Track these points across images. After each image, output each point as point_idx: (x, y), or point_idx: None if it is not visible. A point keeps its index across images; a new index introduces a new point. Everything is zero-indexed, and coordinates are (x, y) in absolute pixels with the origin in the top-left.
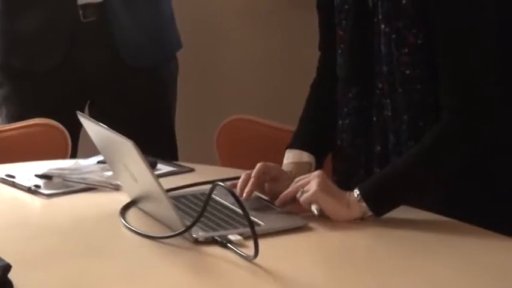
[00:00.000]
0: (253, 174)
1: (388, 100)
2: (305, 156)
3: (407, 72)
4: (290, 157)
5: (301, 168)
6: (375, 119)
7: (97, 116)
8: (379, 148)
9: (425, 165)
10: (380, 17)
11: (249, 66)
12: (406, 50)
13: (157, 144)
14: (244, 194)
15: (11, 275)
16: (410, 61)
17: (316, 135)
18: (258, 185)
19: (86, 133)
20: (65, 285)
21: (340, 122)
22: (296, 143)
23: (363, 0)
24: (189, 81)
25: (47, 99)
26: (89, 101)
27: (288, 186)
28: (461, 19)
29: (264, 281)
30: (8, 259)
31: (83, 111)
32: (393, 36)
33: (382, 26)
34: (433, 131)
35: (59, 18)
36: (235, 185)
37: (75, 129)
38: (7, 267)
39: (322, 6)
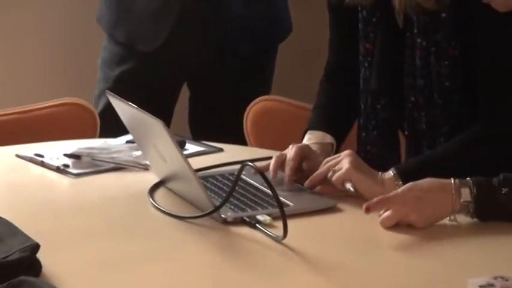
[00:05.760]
0: (291, 158)
1: (423, 113)
2: (328, 138)
3: (447, 83)
4: (313, 138)
5: (325, 149)
6: (406, 133)
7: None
8: None
9: (469, 154)
10: (415, 31)
11: (280, 47)
12: (446, 62)
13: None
14: (286, 180)
15: (39, 255)
16: (449, 72)
17: (333, 122)
18: (297, 169)
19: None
20: (93, 265)
21: (363, 134)
22: (317, 126)
23: (392, 14)
24: None
25: (147, 78)
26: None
27: (317, 166)
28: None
29: (292, 261)
30: (37, 239)
31: (179, 93)
32: (433, 49)
33: (418, 40)
34: (482, 123)
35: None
36: (267, 168)
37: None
38: (36, 247)
39: (338, 11)
